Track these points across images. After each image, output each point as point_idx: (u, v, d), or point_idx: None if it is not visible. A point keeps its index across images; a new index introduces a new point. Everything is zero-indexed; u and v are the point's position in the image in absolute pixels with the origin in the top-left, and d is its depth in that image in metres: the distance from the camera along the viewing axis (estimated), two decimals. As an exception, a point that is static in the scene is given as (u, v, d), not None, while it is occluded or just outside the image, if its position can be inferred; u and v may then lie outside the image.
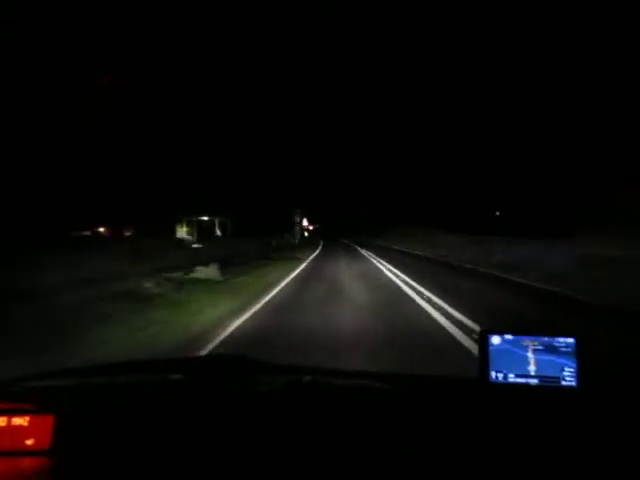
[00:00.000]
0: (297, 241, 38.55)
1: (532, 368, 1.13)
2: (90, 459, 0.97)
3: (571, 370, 1.11)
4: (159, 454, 0.94)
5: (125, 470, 0.92)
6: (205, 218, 34.05)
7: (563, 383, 1.10)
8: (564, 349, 1.11)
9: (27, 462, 1.01)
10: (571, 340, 1.11)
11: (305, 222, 63.72)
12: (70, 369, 1.36)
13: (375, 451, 0.94)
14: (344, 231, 68.92)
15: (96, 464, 0.96)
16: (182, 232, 33.71)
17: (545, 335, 1.13)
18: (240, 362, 1.29)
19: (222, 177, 34.42)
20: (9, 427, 1.03)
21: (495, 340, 1.14)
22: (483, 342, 1.14)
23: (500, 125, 16.07)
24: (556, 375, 1.11)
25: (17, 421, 1.02)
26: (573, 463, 0.91)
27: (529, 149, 14.07)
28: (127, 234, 25.19)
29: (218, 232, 32.62)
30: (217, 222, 35.60)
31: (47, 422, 1.01)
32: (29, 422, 1.02)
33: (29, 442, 1.02)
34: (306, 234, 63.41)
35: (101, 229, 30.78)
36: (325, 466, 0.90)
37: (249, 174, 37.96)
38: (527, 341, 1.13)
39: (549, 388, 1.10)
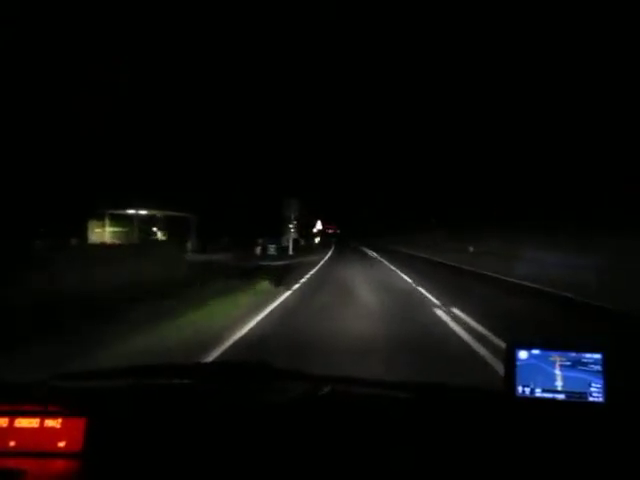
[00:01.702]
0: (291, 250, 31.93)
1: (559, 383, 1.16)
2: (121, 463, 1.01)
3: (598, 386, 1.13)
4: (185, 458, 1.00)
5: (155, 474, 0.97)
6: (143, 212, 26.94)
7: (590, 399, 1.14)
8: (591, 364, 1.15)
9: (59, 464, 1.01)
10: (598, 356, 1.15)
11: (319, 225, 64.88)
12: (99, 370, 1.54)
13: (395, 463, 0.97)
14: (367, 237, 74.62)
15: (127, 468, 0.99)
16: (105, 233, 26.39)
17: (572, 350, 1.16)
18: (258, 368, 1.37)
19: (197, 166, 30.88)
20: (42, 429, 1.07)
21: (522, 354, 1.19)
22: (510, 356, 1.19)
23: (502, 125, 16.30)
24: (583, 391, 1.14)
25: (50, 423, 1.07)
26: (598, 479, 0.94)
27: (537, 148, 14.22)
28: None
29: (159, 234, 26.82)
30: (160, 218, 28.38)
31: (79, 425, 1.06)
32: (61, 424, 1.06)
33: (61, 444, 1.05)
34: (317, 240, 64.09)
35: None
36: (343, 475, 0.94)
37: (241, 165, 37.55)
38: (554, 356, 1.17)
39: (576, 404, 1.14)
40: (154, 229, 26.87)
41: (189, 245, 30.13)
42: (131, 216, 27.32)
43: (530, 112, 16.51)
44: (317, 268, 17.51)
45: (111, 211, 26.17)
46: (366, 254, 33.55)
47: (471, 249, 18.77)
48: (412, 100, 37.37)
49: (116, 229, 27.63)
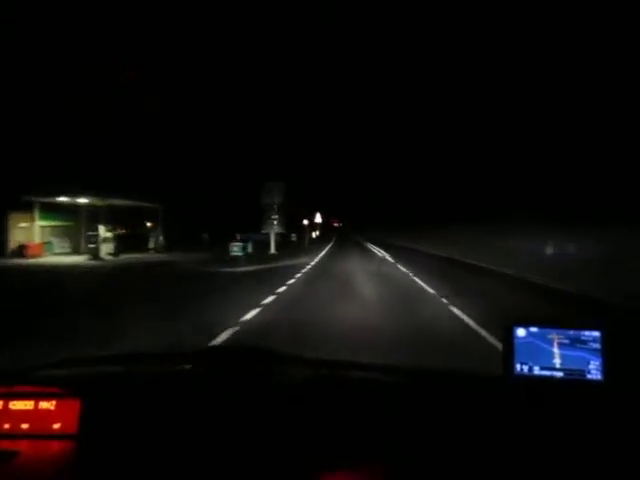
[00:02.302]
0: (273, 248, 31.71)
1: (557, 361, 1.32)
2: (116, 444, 1.17)
3: (596, 364, 1.29)
4: (179, 441, 1.16)
5: (149, 456, 1.12)
6: (84, 201, 25.48)
7: (588, 377, 1.30)
8: (590, 342, 1.31)
9: (54, 446, 1.17)
10: (597, 333, 1.31)
11: (318, 217, 67.20)
12: (97, 356, 1.72)
13: (393, 444, 1.13)
14: (371, 231, 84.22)
15: (122, 449, 1.15)
16: (34, 230, 25.08)
17: (571, 328, 1.32)
18: (257, 353, 1.55)
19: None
20: (36, 411, 1.24)
21: (520, 332, 1.35)
22: (508, 334, 1.36)
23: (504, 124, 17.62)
24: (582, 369, 1.30)
25: (44, 405, 1.24)
26: (597, 457, 1.09)
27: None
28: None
29: (103, 232, 24.49)
30: (117, 209, 27.22)
31: (74, 407, 1.23)
32: (55, 406, 1.23)
33: (56, 426, 1.22)
34: (314, 234, 68.50)
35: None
36: (341, 456, 1.10)
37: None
38: (553, 334, 1.33)
39: (574, 381, 1.30)
40: (101, 230, 24.60)
41: (152, 242, 29.89)
42: (77, 207, 25.75)
43: (521, 108, 18.61)
44: (286, 287, 11.87)
45: (42, 199, 24.25)
46: (372, 254, 31.60)
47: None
48: (411, 91, 42.13)
49: (53, 223, 26.07)
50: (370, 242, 53.60)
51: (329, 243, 48.43)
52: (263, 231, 32.95)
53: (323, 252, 31.86)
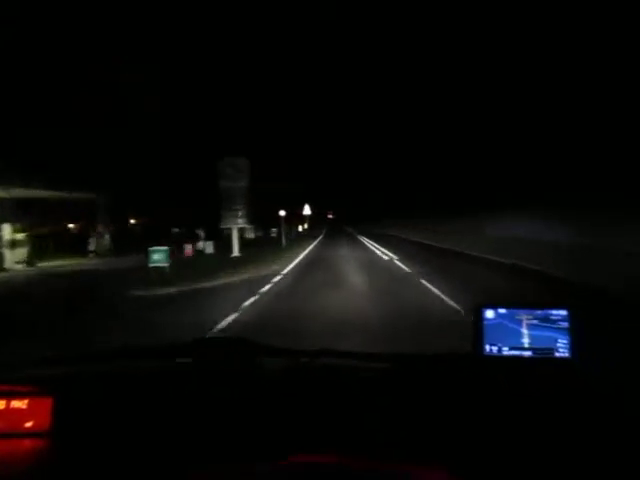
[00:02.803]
0: (237, 249, 26.63)
1: (526, 341, 1.53)
2: (89, 442, 1.32)
3: (564, 342, 1.50)
4: (157, 437, 1.31)
5: (123, 452, 1.26)
6: None
7: (557, 354, 1.50)
8: (558, 321, 1.51)
9: (26, 444, 1.32)
10: (564, 312, 1.52)
11: (307, 210, 66.28)
12: (70, 354, 1.84)
13: (373, 428, 1.31)
14: (364, 223, 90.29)
15: (94, 446, 1.30)
16: None
17: (538, 308, 1.53)
18: (240, 344, 1.70)
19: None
20: (8, 410, 1.43)
21: (489, 314, 1.56)
22: (477, 316, 1.56)
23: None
24: (550, 347, 1.51)
25: (16, 404, 1.36)
26: (566, 433, 1.27)
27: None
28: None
29: (8, 233, 21.64)
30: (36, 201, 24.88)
31: (46, 405, 1.35)
32: (28, 405, 1.37)
33: (28, 425, 1.36)
34: (300, 229, 71.11)
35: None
36: (324, 443, 1.27)
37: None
38: (521, 314, 1.54)
39: (543, 359, 1.50)
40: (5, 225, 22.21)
41: (93, 244, 27.62)
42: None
43: (501, 100, 20.75)
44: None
45: None
46: (363, 248, 30.51)
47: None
48: (398, 86, 46.43)
49: None
50: (362, 234, 55.15)
51: (316, 239, 46.63)
52: (223, 226, 27.82)
53: (305, 252, 28.22)
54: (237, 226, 27.96)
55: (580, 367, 1.51)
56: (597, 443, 1.23)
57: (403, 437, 1.31)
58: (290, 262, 21.51)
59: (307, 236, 55.10)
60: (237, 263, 21.91)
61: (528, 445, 1.24)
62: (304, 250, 29.75)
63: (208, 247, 26.41)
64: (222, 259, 24.10)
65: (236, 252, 26.59)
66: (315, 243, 38.66)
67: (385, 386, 1.51)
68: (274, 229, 45.56)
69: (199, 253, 26.14)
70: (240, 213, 27.68)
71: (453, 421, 1.33)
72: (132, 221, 47.42)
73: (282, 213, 38.24)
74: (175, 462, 1.23)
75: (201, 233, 27.41)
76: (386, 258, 22.51)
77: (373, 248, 29.93)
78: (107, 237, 28.29)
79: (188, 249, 24.57)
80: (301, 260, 23.16)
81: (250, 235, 30.15)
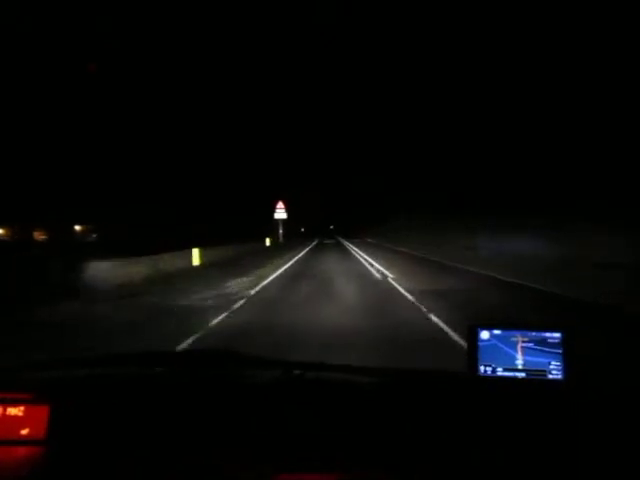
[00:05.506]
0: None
1: (520, 362, 1.55)
2: (84, 449, 1.32)
3: (557, 364, 1.53)
4: (149, 445, 1.31)
5: (118, 461, 1.26)
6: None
7: (550, 376, 1.53)
8: (552, 343, 1.54)
9: (22, 452, 1.32)
10: (558, 334, 1.55)
11: (281, 213, 54.79)
12: (65, 359, 1.83)
13: (363, 444, 1.31)
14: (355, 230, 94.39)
15: (90, 454, 1.30)
16: None
17: (533, 329, 1.56)
18: (226, 356, 1.73)
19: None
20: (4, 417, 1.40)
21: (484, 335, 1.58)
22: (472, 337, 1.58)
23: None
24: (543, 369, 1.54)
25: (12, 411, 1.36)
26: (558, 454, 1.29)
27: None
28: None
29: None
30: None
31: (42, 412, 1.38)
32: (24, 412, 1.38)
33: (24, 432, 1.36)
34: (267, 241, 58.13)
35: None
36: (311, 456, 1.27)
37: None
38: (516, 336, 1.57)
39: (536, 381, 1.52)
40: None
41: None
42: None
43: (489, 109, 21.26)
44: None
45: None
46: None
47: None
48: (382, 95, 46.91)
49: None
50: (360, 247, 46.04)
51: (293, 256, 28.89)
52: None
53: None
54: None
55: (573, 389, 1.53)
56: (587, 463, 1.24)
57: (393, 455, 1.30)
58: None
59: (283, 249, 36.86)
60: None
61: (520, 465, 1.25)
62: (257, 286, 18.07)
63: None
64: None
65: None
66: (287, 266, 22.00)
67: (377, 403, 1.51)
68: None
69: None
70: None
71: (446, 439, 1.33)
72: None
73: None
74: (166, 473, 1.23)
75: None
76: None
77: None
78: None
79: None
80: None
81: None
